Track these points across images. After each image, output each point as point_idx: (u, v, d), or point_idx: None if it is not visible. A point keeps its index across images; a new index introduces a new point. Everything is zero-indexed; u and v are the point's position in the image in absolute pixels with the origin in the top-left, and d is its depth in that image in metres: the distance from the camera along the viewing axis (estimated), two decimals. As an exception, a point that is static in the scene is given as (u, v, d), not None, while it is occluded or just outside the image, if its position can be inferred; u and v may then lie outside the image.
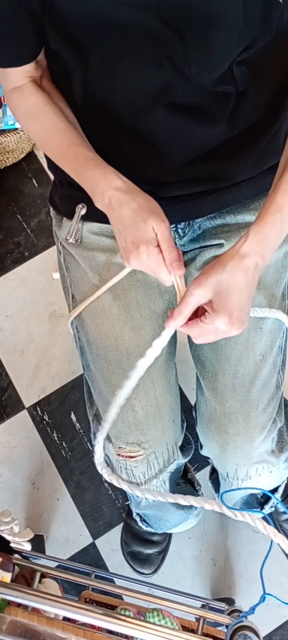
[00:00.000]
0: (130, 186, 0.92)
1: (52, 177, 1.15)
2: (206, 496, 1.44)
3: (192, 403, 1.42)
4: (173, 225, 1.09)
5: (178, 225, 1.09)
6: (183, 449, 1.17)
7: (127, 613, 0.97)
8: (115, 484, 1.01)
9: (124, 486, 1.00)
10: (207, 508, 0.92)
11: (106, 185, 0.92)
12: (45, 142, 1.01)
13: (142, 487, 1.02)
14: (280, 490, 1.31)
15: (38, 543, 1.51)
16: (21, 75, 0.98)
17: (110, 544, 1.56)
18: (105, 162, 0.94)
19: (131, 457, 1.05)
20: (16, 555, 1.00)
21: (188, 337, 1.14)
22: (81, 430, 1.68)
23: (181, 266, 0.89)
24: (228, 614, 1.02)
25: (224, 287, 0.85)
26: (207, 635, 0.96)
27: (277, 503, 1.24)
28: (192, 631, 0.98)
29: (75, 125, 1.00)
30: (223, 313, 0.84)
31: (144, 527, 1.44)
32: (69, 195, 1.08)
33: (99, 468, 1.00)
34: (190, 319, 0.88)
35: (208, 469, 1.52)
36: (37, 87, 0.99)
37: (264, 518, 0.90)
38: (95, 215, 1.08)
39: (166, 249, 0.89)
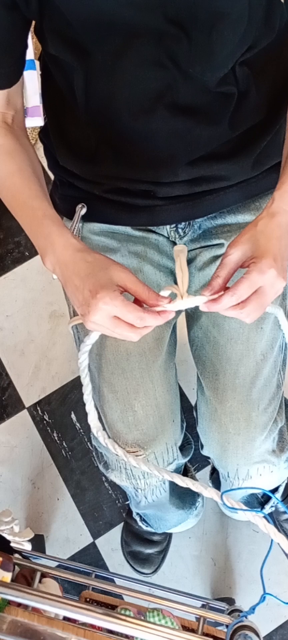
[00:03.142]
0: (85, 246, 0.89)
1: (52, 176, 1.15)
2: (205, 499, 1.44)
3: (193, 403, 1.42)
4: (174, 225, 1.09)
5: (179, 225, 1.09)
6: (183, 448, 1.17)
7: (128, 613, 0.97)
8: (111, 448, 1.00)
9: (119, 452, 1.00)
10: (206, 495, 0.92)
11: (62, 242, 0.89)
12: (5, 187, 0.97)
13: (138, 458, 1.01)
14: (281, 490, 1.31)
15: (38, 543, 1.51)
16: None
17: (111, 544, 1.56)
18: (62, 222, 0.91)
19: (131, 456, 1.05)
20: (16, 555, 1.00)
21: (189, 336, 1.14)
22: (81, 430, 1.68)
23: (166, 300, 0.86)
24: (229, 614, 1.02)
25: (262, 238, 0.83)
26: (207, 634, 0.96)
27: (278, 503, 1.24)
28: (192, 631, 0.98)
29: (40, 177, 0.99)
30: (268, 255, 0.82)
31: (144, 527, 1.44)
32: (69, 195, 1.08)
33: (94, 430, 0.99)
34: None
35: (208, 468, 1.52)
36: (7, 129, 0.98)
37: (264, 518, 0.90)
38: (96, 215, 1.08)
39: (142, 290, 0.85)
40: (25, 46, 0.97)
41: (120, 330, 0.85)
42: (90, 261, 0.86)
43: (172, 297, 0.87)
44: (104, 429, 1.07)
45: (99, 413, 1.12)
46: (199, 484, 0.91)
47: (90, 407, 0.99)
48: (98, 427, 0.99)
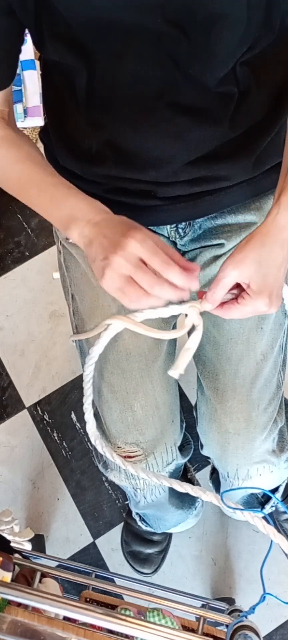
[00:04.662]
0: (117, 216, 0.88)
1: (52, 176, 1.15)
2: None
3: (193, 403, 1.42)
4: (174, 225, 1.09)
5: (179, 225, 1.09)
6: (182, 449, 1.17)
7: (128, 613, 0.97)
8: (109, 457, 1.00)
9: (118, 460, 1.00)
10: (204, 499, 0.92)
11: (92, 206, 0.89)
12: (15, 171, 0.96)
13: (136, 466, 1.01)
14: (281, 490, 1.31)
15: (38, 543, 1.51)
16: None
17: (111, 544, 1.56)
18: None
19: (130, 457, 1.05)
20: (16, 555, 1.00)
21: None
22: (81, 430, 1.68)
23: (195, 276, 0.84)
24: (229, 614, 1.02)
25: (264, 265, 0.81)
26: (207, 634, 0.96)
27: (278, 503, 1.24)
28: (193, 631, 0.98)
29: (50, 164, 0.99)
30: (264, 294, 0.81)
31: (144, 527, 1.44)
32: (70, 195, 1.08)
33: (92, 439, 0.99)
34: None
35: (208, 468, 1.52)
36: (5, 123, 0.99)
37: (264, 518, 0.90)
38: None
39: (173, 251, 0.83)
40: (20, 50, 0.98)
41: (142, 278, 0.81)
42: (125, 219, 0.86)
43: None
44: (103, 429, 1.07)
45: (98, 413, 1.12)
46: (198, 489, 0.91)
47: (89, 416, 0.98)
48: (96, 436, 0.99)
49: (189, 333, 0.90)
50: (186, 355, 0.87)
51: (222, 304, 0.85)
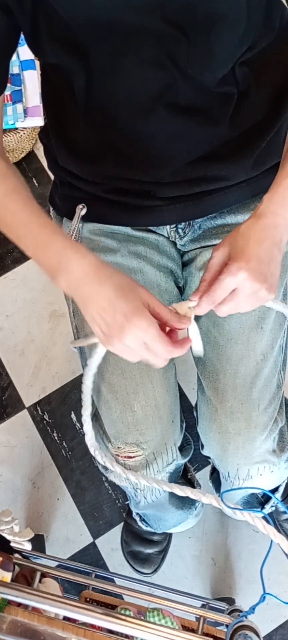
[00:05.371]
0: (104, 263, 0.86)
1: (52, 176, 1.15)
2: (206, 496, 1.44)
3: (193, 403, 1.42)
4: (174, 225, 1.09)
5: (179, 226, 1.09)
6: (182, 449, 1.17)
7: (127, 613, 0.97)
8: (109, 466, 1.00)
9: (118, 469, 1.00)
10: (204, 502, 0.92)
11: (78, 260, 0.84)
12: (2, 206, 0.91)
13: (136, 473, 1.01)
14: (281, 490, 1.31)
15: (38, 543, 1.51)
16: None
17: (111, 544, 1.56)
18: (72, 239, 0.89)
19: (130, 457, 1.05)
20: (16, 555, 1.00)
21: (189, 337, 1.14)
22: (81, 430, 1.68)
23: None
24: (229, 614, 1.02)
25: (241, 240, 0.83)
26: (207, 634, 0.96)
27: (278, 503, 1.24)
28: (193, 631, 0.98)
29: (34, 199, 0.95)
30: (240, 258, 0.81)
31: (144, 527, 1.44)
32: (70, 195, 1.08)
33: (91, 450, 0.99)
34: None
35: (208, 468, 1.52)
36: None
37: (264, 518, 0.90)
38: (96, 215, 1.08)
39: (165, 312, 0.85)
40: (11, 57, 0.95)
41: (148, 357, 0.84)
42: (118, 282, 0.84)
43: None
44: (103, 429, 1.07)
45: (98, 413, 1.13)
46: (198, 492, 0.92)
47: (88, 428, 0.98)
48: (95, 447, 1.00)
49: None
50: (195, 336, 0.90)
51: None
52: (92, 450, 1.00)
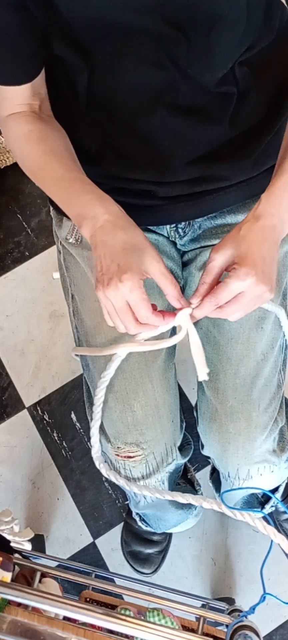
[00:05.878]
0: (125, 215, 0.89)
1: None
2: (206, 496, 1.44)
3: (193, 403, 1.42)
4: (174, 225, 1.09)
5: (179, 225, 1.09)
6: (182, 449, 1.17)
7: (127, 613, 0.97)
8: (113, 480, 1.01)
9: (121, 482, 1.00)
10: (205, 507, 0.92)
11: (102, 208, 0.88)
12: (40, 167, 0.97)
13: (140, 484, 1.02)
14: (281, 489, 1.31)
15: (38, 543, 1.51)
16: (18, 102, 0.97)
17: (111, 544, 1.56)
18: (101, 191, 0.91)
19: (129, 457, 1.05)
20: (16, 555, 1.00)
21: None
22: (81, 430, 1.68)
23: (188, 303, 0.88)
24: (229, 614, 1.02)
25: (243, 243, 0.84)
26: (207, 634, 0.96)
27: (278, 503, 1.24)
28: (192, 631, 0.98)
29: (73, 154, 0.99)
30: (247, 263, 0.82)
31: (144, 527, 1.44)
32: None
33: (96, 463, 1.00)
34: None
35: (208, 468, 1.52)
36: (35, 116, 0.98)
37: (264, 518, 0.90)
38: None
39: (169, 284, 0.87)
40: (39, 43, 0.94)
41: (124, 318, 0.86)
42: (129, 236, 0.86)
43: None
44: (103, 429, 1.07)
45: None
46: (199, 497, 0.92)
47: (95, 441, 1.00)
48: (101, 460, 1.00)
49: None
50: (198, 354, 0.90)
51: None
52: (97, 464, 1.00)
